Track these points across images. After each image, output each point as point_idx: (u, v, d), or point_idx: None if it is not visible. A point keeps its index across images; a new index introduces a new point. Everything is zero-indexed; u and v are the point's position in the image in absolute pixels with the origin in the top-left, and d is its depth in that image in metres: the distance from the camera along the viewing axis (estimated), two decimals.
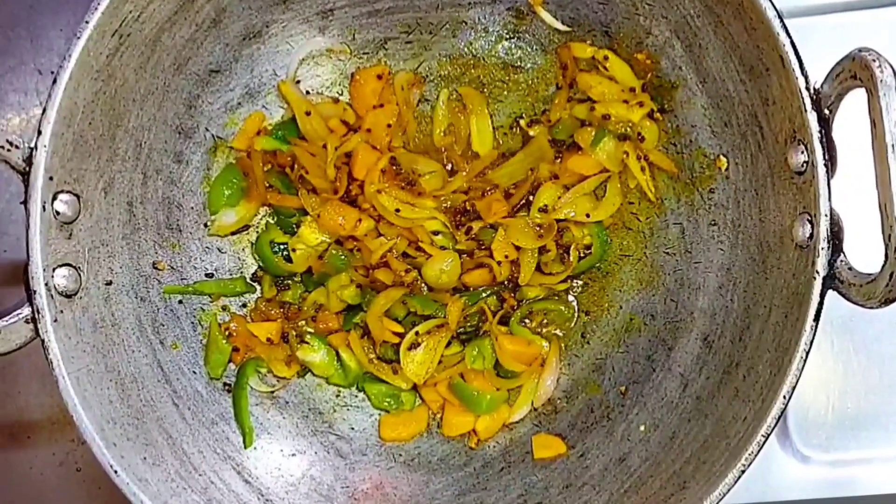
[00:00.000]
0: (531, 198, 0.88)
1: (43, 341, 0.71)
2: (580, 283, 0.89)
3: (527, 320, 0.89)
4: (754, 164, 0.76)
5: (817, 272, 0.67)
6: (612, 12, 0.83)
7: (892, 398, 0.91)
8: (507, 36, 0.89)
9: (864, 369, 0.91)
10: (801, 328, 0.68)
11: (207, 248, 0.88)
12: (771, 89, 0.72)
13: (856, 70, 0.65)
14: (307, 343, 0.88)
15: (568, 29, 0.87)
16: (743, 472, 0.69)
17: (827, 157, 0.67)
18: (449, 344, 0.88)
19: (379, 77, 0.90)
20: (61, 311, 0.72)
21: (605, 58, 0.86)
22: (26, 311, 0.71)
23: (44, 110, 0.71)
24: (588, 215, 0.87)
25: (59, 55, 0.99)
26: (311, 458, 0.86)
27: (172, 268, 0.86)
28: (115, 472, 0.71)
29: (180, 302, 0.86)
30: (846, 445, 0.90)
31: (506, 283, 0.89)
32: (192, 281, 0.87)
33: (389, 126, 0.89)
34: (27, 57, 1.00)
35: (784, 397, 0.68)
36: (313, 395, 0.89)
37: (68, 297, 0.73)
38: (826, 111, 0.68)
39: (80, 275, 0.75)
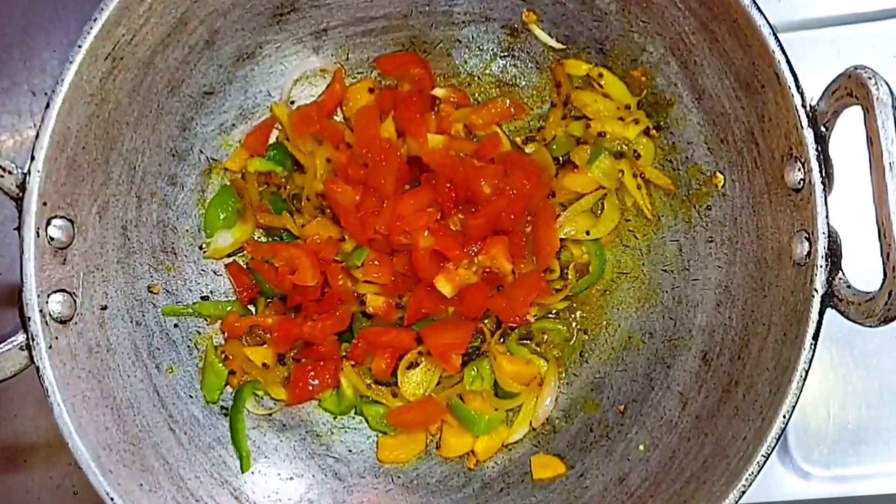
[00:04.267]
0: None
1: (38, 368, 0.71)
2: (578, 301, 0.89)
3: (525, 340, 0.89)
4: (751, 181, 0.76)
5: (816, 290, 0.67)
6: (607, 29, 0.83)
7: (892, 413, 0.90)
8: (502, 54, 0.89)
9: (865, 384, 0.91)
10: (800, 346, 0.67)
11: (203, 270, 0.88)
12: (767, 106, 0.72)
13: (852, 87, 0.64)
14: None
15: (562, 46, 0.87)
16: (744, 492, 0.68)
17: (824, 175, 0.67)
18: None
19: (371, 90, 0.90)
20: (56, 338, 0.72)
21: (600, 75, 0.85)
22: (21, 337, 0.71)
23: (37, 135, 0.70)
24: (588, 232, 0.87)
25: (52, 76, 0.98)
26: (309, 482, 0.86)
27: (167, 291, 0.85)
28: (112, 499, 0.71)
29: (176, 325, 0.85)
30: (847, 461, 0.90)
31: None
32: (188, 304, 0.87)
33: None
34: (20, 78, 1.00)
35: (784, 416, 0.68)
36: (310, 418, 0.88)
37: (63, 322, 0.73)
38: (822, 128, 0.68)
39: (74, 300, 0.74)
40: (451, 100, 0.89)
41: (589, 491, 0.82)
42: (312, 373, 0.86)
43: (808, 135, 0.67)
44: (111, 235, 0.79)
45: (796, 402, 0.67)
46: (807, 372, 0.67)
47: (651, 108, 0.85)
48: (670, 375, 0.82)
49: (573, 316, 0.89)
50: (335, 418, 0.88)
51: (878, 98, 0.62)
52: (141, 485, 0.75)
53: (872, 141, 0.63)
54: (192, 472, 0.80)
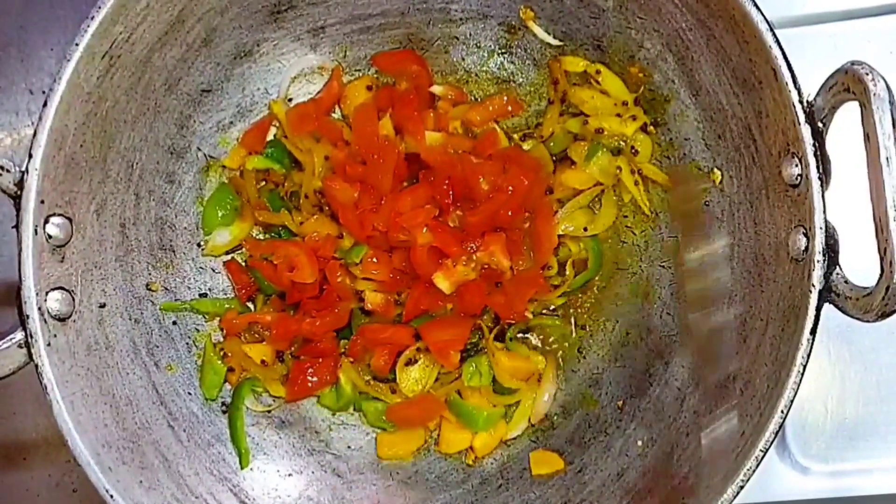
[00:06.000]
0: None
1: (37, 366, 0.71)
2: (576, 297, 0.89)
3: (524, 336, 0.89)
4: (748, 176, 0.76)
5: (813, 285, 0.67)
6: (604, 26, 0.83)
7: (889, 408, 0.90)
8: (500, 51, 0.89)
9: (862, 379, 0.91)
10: (797, 342, 0.68)
11: (201, 267, 0.88)
12: (764, 102, 0.72)
13: (849, 83, 0.65)
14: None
15: (560, 43, 0.87)
16: (742, 486, 0.68)
17: (821, 170, 0.67)
18: None
19: (368, 88, 0.90)
20: (55, 335, 0.72)
21: (598, 72, 0.86)
22: (19, 335, 0.71)
23: (34, 134, 0.71)
24: (586, 229, 0.88)
25: (49, 75, 0.98)
26: (308, 478, 0.86)
27: (166, 288, 0.86)
28: (111, 496, 0.71)
29: (174, 323, 0.85)
30: (844, 456, 0.90)
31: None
32: (187, 301, 0.87)
33: None
34: (18, 77, 1.00)
35: (782, 411, 0.68)
36: (309, 414, 0.88)
37: (62, 320, 0.73)
38: (820, 124, 0.68)
39: (73, 298, 0.74)
40: (449, 97, 0.89)
41: (587, 487, 0.82)
42: (311, 369, 0.86)
43: (805, 130, 0.67)
44: (109, 233, 0.79)
45: (794, 397, 0.67)
46: (804, 367, 0.67)
47: (648, 104, 0.85)
48: (668, 371, 0.83)
49: (571, 312, 0.89)
50: (334, 415, 0.89)
51: (874, 94, 0.62)
52: (140, 482, 0.75)
53: (869, 137, 0.63)
54: (192, 469, 0.81)
